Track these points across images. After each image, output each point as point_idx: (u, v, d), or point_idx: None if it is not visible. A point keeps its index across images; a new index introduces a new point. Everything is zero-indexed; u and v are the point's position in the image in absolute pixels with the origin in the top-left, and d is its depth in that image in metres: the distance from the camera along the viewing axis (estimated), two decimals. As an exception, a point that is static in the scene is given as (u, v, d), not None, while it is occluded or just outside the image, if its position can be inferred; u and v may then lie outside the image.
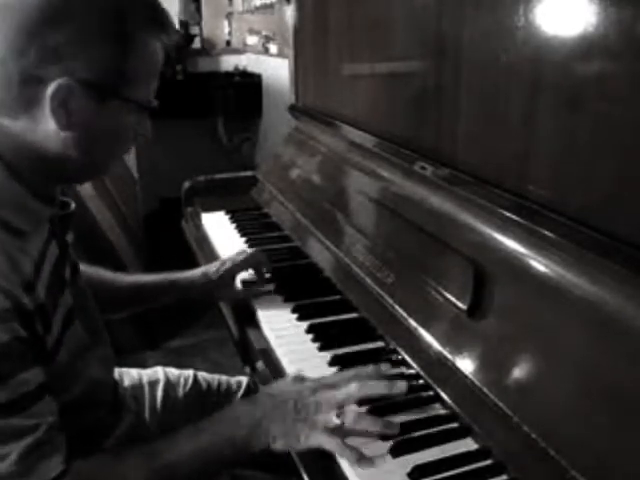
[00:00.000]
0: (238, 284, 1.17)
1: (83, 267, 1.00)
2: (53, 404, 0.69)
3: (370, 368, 0.81)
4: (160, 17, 0.74)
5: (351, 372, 0.81)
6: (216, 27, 3.39)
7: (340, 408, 0.75)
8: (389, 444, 0.73)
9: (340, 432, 0.73)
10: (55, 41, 0.66)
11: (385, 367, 0.82)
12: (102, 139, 0.75)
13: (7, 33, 0.66)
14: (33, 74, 0.67)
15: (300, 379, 0.81)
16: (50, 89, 0.67)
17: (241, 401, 0.80)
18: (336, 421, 0.74)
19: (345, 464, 0.71)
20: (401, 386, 0.78)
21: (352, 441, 0.73)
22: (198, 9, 3.31)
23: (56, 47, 0.67)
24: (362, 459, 0.71)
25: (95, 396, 0.84)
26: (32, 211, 0.73)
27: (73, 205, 0.84)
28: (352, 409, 0.76)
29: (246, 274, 1.18)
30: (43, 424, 0.66)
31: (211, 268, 1.15)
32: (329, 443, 0.73)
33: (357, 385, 0.77)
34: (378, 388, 0.78)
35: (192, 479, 0.77)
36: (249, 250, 1.23)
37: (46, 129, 0.70)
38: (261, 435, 0.75)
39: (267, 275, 1.19)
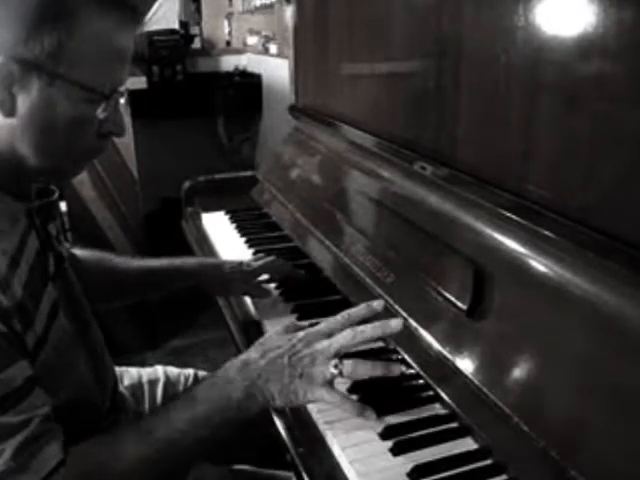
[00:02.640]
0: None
1: (90, 252, 0.98)
2: (44, 395, 0.67)
3: (362, 306, 0.79)
4: None
5: (344, 314, 0.78)
6: (216, 27, 3.39)
7: (336, 357, 0.73)
8: (389, 443, 0.73)
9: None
10: None
11: (377, 303, 0.79)
12: (53, 129, 0.69)
13: None
14: None
15: (292, 329, 0.78)
16: None
17: (233, 362, 0.75)
18: (334, 372, 0.72)
19: (345, 463, 0.71)
20: (396, 324, 0.76)
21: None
22: (198, 9, 3.31)
23: None
24: (365, 410, 0.70)
25: (85, 395, 0.82)
26: (4, 210, 0.71)
27: (57, 194, 0.81)
28: (349, 360, 0.74)
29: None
30: (35, 417, 0.65)
31: (227, 264, 1.13)
32: (330, 397, 0.72)
33: (351, 332, 0.74)
34: (372, 331, 0.75)
35: (193, 449, 0.74)
36: (275, 260, 1.18)
37: None
38: (258, 396, 0.72)
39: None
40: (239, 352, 1.05)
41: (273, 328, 1.00)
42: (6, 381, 0.63)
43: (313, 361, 0.73)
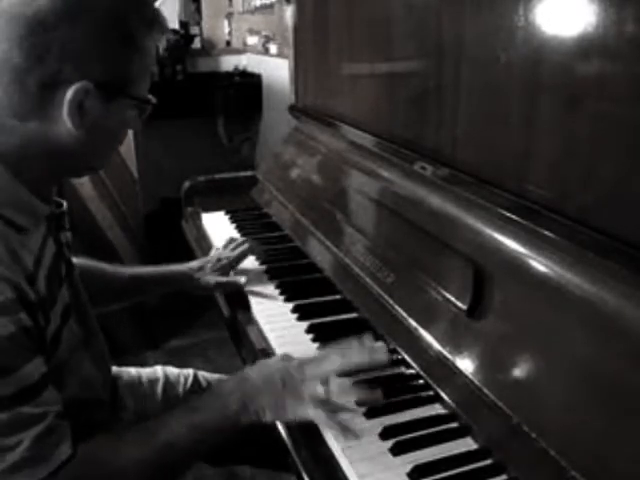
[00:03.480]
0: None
1: (83, 260, 1.01)
2: (56, 393, 0.71)
3: (354, 342, 0.83)
4: (156, 16, 0.77)
5: (335, 348, 0.84)
6: (216, 27, 3.39)
7: (324, 380, 0.78)
8: (389, 443, 0.73)
9: (326, 405, 0.76)
10: (70, 46, 0.68)
11: (368, 339, 0.84)
12: (108, 135, 0.78)
13: (19, 40, 0.67)
14: (51, 79, 0.69)
15: (287, 358, 0.83)
16: (69, 93, 0.70)
17: (230, 378, 0.83)
18: (321, 392, 0.77)
19: (345, 463, 0.71)
20: (381, 353, 0.81)
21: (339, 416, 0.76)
22: (198, 9, 3.31)
23: (72, 51, 0.69)
24: (347, 431, 0.75)
25: (88, 395, 0.85)
26: (32, 209, 0.75)
27: (65, 205, 0.86)
28: (336, 381, 0.78)
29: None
30: (50, 412, 0.68)
31: (207, 262, 1.19)
32: (315, 415, 0.76)
33: (339, 356, 0.80)
34: (359, 357, 0.81)
35: (190, 454, 0.80)
36: (239, 239, 1.28)
37: (59, 129, 0.72)
38: (251, 408, 0.78)
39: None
40: (238, 353, 1.06)
41: (273, 329, 1.01)
42: (25, 376, 0.66)
43: (303, 382, 0.79)
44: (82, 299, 0.90)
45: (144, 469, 0.75)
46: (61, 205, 0.86)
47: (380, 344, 0.86)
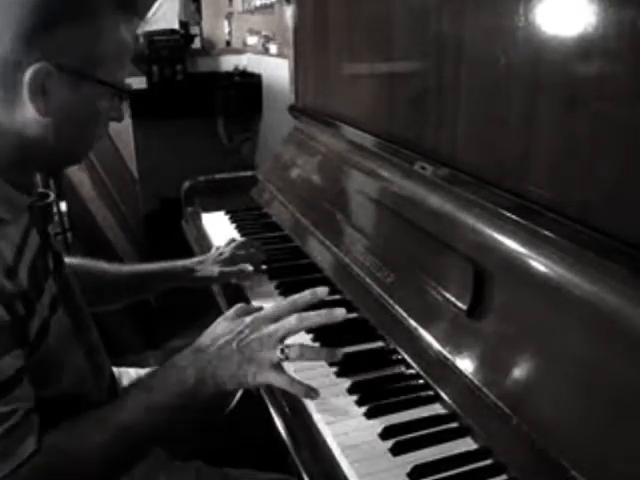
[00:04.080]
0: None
1: (83, 260, 1.01)
2: (30, 390, 0.70)
3: (307, 292, 0.82)
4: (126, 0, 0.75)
5: (289, 300, 0.82)
6: (216, 27, 3.39)
7: (282, 342, 0.77)
8: (389, 443, 0.73)
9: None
10: (28, 26, 0.67)
11: (321, 290, 0.82)
12: (79, 123, 0.75)
13: None
14: (10, 60, 0.68)
15: (241, 312, 0.82)
16: (27, 74, 0.68)
17: (185, 351, 0.80)
18: (281, 356, 0.76)
19: (345, 463, 0.71)
20: (339, 313, 0.79)
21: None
22: (198, 9, 3.30)
23: (30, 32, 0.67)
24: (309, 391, 0.76)
25: (82, 390, 0.84)
26: (10, 200, 0.73)
27: (52, 197, 0.86)
28: (295, 344, 0.77)
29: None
30: (20, 409, 0.67)
31: (208, 257, 1.19)
32: (278, 380, 0.76)
33: (297, 317, 0.78)
34: (317, 318, 0.79)
35: (150, 435, 0.77)
36: (240, 239, 1.28)
37: (24, 116, 0.71)
38: (209, 381, 0.76)
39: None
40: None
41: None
42: (2, 369, 0.66)
43: (261, 346, 0.77)
44: (72, 291, 0.89)
45: (106, 453, 0.73)
46: (47, 196, 0.85)
47: (325, 289, 0.83)
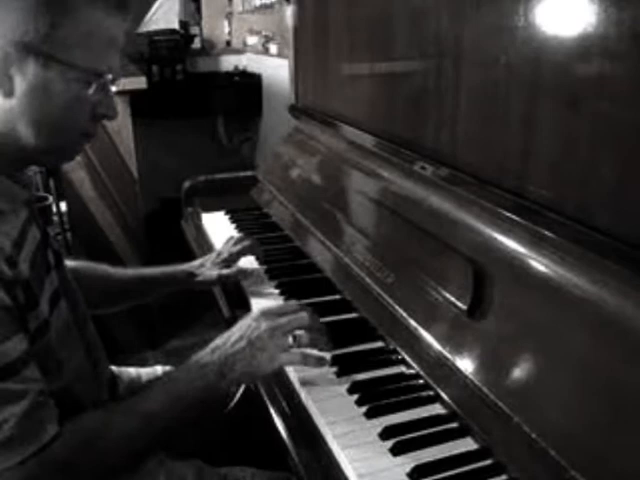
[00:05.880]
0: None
1: (85, 263, 1.01)
2: (37, 371, 0.71)
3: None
4: None
5: (294, 302, 0.91)
6: (216, 27, 3.39)
7: (291, 332, 0.82)
8: (389, 443, 0.73)
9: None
10: None
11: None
12: (53, 111, 0.74)
13: None
14: None
15: (261, 317, 0.84)
16: None
17: (205, 350, 0.85)
18: (291, 342, 0.82)
19: (345, 463, 0.71)
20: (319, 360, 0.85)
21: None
22: (198, 9, 3.30)
23: None
24: (320, 360, 0.83)
25: (81, 387, 0.85)
26: (6, 191, 0.74)
27: (50, 199, 0.86)
28: (304, 334, 0.83)
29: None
30: (31, 390, 0.68)
31: (207, 260, 1.20)
32: (291, 359, 0.82)
33: (307, 314, 0.84)
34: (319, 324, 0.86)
35: (173, 423, 0.80)
36: (237, 235, 1.29)
37: None
38: (228, 376, 0.80)
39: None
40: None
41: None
42: (5, 353, 0.67)
43: (271, 336, 0.81)
44: (72, 288, 0.90)
45: (130, 441, 0.76)
46: (45, 199, 0.86)
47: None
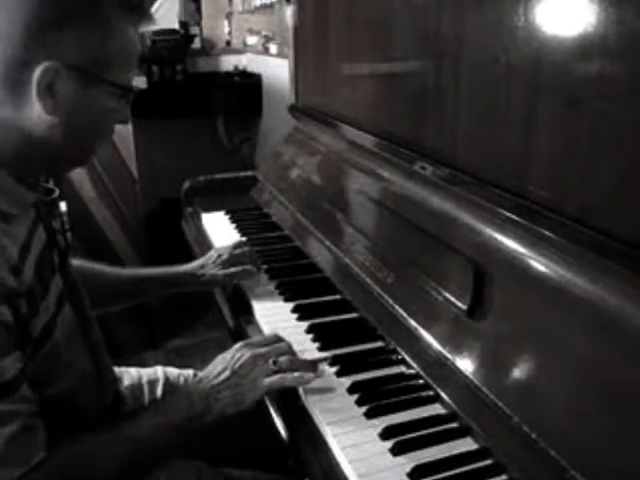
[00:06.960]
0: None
1: (83, 262, 1.01)
2: (30, 392, 0.70)
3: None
4: (137, 1, 0.76)
5: (273, 334, 0.93)
6: (216, 27, 3.39)
7: (272, 359, 0.85)
8: (389, 443, 0.73)
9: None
10: (38, 24, 0.68)
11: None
12: (85, 124, 0.76)
13: None
14: (19, 58, 0.68)
15: (241, 348, 0.87)
16: (36, 73, 0.68)
17: (193, 380, 0.89)
18: (273, 367, 0.84)
19: (345, 463, 0.71)
20: (309, 377, 0.86)
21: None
22: (198, 9, 3.30)
23: (39, 30, 0.68)
24: (303, 376, 0.84)
25: (84, 388, 0.85)
26: (16, 196, 0.74)
27: (57, 192, 0.86)
28: (284, 358, 0.86)
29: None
30: (24, 411, 0.68)
31: (208, 260, 1.20)
32: (274, 382, 0.83)
33: (286, 344, 0.89)
34: (300, 362, 0.88)
35: (160, 452, 0.82)
36: (237, 239, 1.31)
37: (32, 114, 0.71)
38: (213, 407, 0.81)
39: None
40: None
41: (273, 329, 1.01)
42: (4, 370, 0.66)
43: (253, 364, 0.84)
44: (77, 287, 0.90)
45: (119, 466, 0.76)
46: (52, 192, 0.86)
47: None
